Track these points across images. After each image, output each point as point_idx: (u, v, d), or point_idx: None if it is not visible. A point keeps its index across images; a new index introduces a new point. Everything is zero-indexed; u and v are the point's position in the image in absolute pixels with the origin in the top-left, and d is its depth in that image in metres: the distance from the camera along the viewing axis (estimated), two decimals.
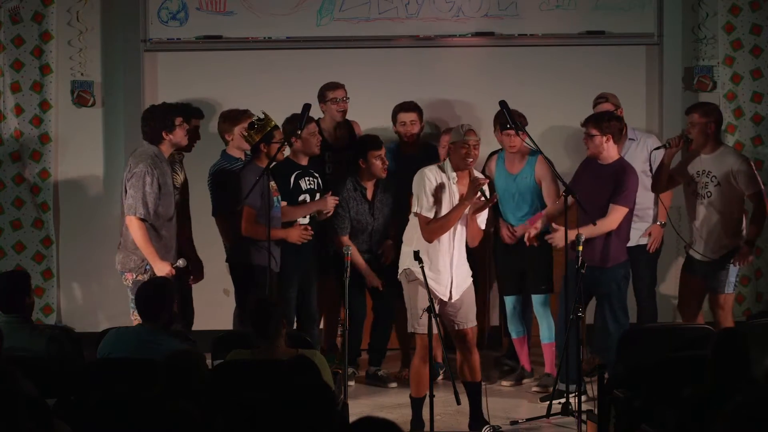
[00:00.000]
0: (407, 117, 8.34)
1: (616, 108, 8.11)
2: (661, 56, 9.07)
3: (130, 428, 4.46)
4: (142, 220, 7.19)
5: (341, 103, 8.38)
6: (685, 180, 7.80)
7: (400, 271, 7.09)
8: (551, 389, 7.57)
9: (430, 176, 6.92)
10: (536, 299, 8.04)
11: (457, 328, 7.04)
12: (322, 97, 8.37)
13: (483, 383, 7.32)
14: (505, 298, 8.16)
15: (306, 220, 7.90)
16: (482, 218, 7.04)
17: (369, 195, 8.13)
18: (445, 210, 6.89)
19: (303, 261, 7.91)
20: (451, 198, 6.91)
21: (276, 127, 7.65)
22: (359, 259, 8.02)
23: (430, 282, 6.74)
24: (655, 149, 7.93)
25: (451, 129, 8.16)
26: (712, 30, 9.08)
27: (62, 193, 9.15)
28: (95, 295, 9.19)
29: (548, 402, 7.40)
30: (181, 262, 7.30)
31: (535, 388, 7.96)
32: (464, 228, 7.00)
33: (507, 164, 8.04)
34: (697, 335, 6.33)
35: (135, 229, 7.19)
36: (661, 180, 7.84)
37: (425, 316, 6.77)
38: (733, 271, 7.67)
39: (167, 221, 7.35)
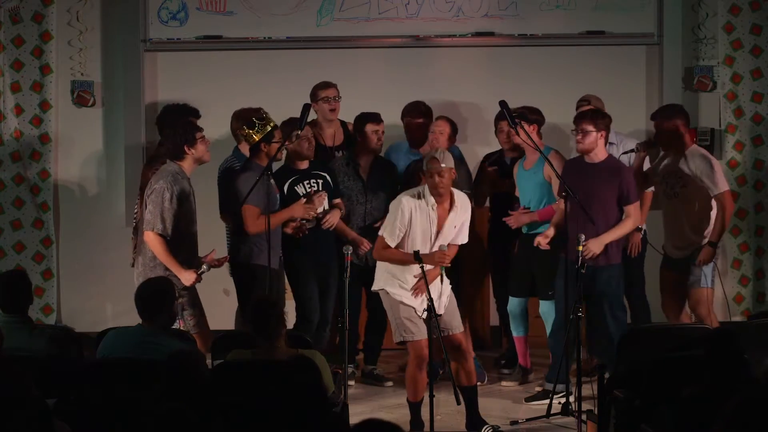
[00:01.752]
0: (412, 122, 8.33)
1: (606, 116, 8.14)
2: (661, 56, 9.08)
3: (130, 428, 4.47)
4: (161, 235, 7.16)
5: (332, 102, 8.36)
6: (657, 180, 7.92)
7: (377, 288, 7.13)
8: (540, 389, 7.72)
9: (404, 208, 6.92)
10: (542, 304, 8.04)
11: (443, 335, 6.97)
12: (313, 96, 8.35)
13: (481, 383, 7.29)
14: (511, 297, 8.15)
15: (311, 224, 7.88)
16: (460, 237, 7.05)
17: (363, 173, 8.13)
18: (419, 234, 6.91)
19: (323, 261, 7.86)
20: (429, 223, 6.92)
21: (276, 126, 7.63)
22: (345, 228, 7.99)
23: (406, 299, 6.88)
24: (623, 153, 7.98)
25: (441, 118, 8.18)
26: (712, 30, 9.08)
27: (62, 193, 9.15)
28: (95, 295, 9.19)
29: (534, 402, 7.57)
30: (204, 267, 7.28)
31: (538, 388, 7.97)
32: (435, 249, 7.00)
33: (525, 162, 8.05)
34: (697, 335, 6.32)
35: (155, 244, 7.14)
36: (637, 181, 7.90)
37: (411, 324, 6.86)
38: (708, 266, 7.74)
39: (187, 237, 7.31)
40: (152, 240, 7.13)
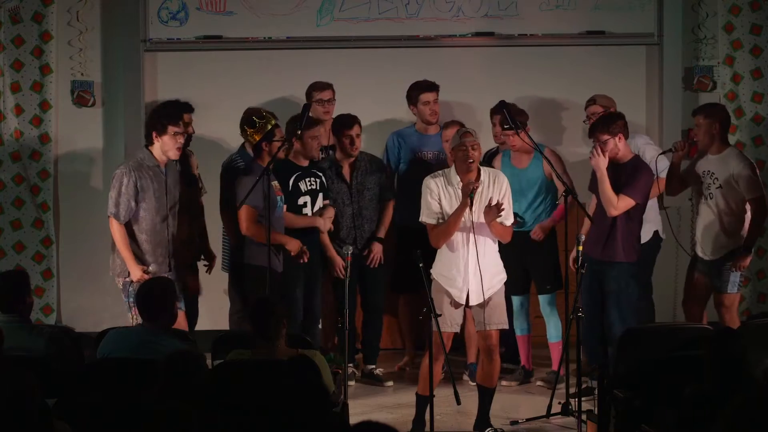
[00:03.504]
0: (430, 96, 8.35)
1: (607, 109, 8.11)
2: (661, 56, 9.08)
3: (130, 428, 4.47)
4: (118, 221, 7.21)
5: (327, 104, 8.37)
6: (693, 180, 7.86)
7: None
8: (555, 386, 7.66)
9: (431, 184, 6.93)
10: (542, 299, 8.07)
11: (478, 328, 7.02)
12: (309, 96, 8.35)
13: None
14: (512, 297, 8.16)
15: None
16: (504, 215, 6.95)
17: (347, 175, 8.14)
18: (449, 214, 6.88)
19: (309, 262, 7.88)
20: (457, 203, 6.89)
21: (277, 125, 7.63)
22: (327, 243, 8.00)
23: (446, 285, 6.86)
24: (661, 153, 7.93)
25: (451, 123, 8.19)
26: (712, 30, 9.08)
27: (62, 193, 9.15)
28: (95, 295, 9.17)
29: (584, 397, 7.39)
30: (152, 268, 7.27)
31: (539, 383, 7.97)
32: (480, 234, 6.91)
33: (514, 160, 8.05)
34: (697, 335, 6.32)
35: (113, 230, 7.25)
36: (673, 183, 7.90)
37: (440, 316, 6.80)
38: (737, 272, 7.71)
39: (149, 226, 7.30)
40: (112, 225, 7.23)
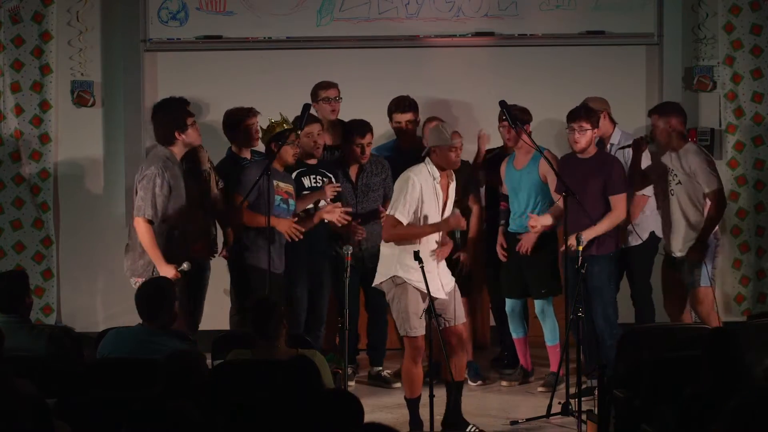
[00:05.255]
0: (403, 118, 8.33)
1: (599, 112, 8.10)
2: (661, 56, 9.08)
3: (130, 428, 4.47)
4: (150, 222, 7.16)
5: (333, 102, 8.37)
6: (657, 177, 7.92)
7: (383, 278, 7.00)
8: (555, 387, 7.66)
9: (414, 182, 6.86)
10: (537, 303, 8.03)
11: (447, 325, 6.99)
12: (314, 95, 8.34)
13: (484, 383, 7.30)
14: (506, 300, 8.14)
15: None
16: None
17: (353, 175, 8.13)
18: (429, 209, 6.88)
19: (314, 261, 7.85)
20: (436, 197, 6.92)
21: (291, 129, 7.58)
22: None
23: (419, 283, 6.78)
24: (619, 148, 7.99)
25: (433, 119, 8.15)
26: (712, 30, 9.09)
27: (62, 193, 9.15)
28: (95, 295, 9.19)
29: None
30: (185, 266, 7.26)
31: (540, 388, 7.95)
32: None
33: (515, 161, 8.05)
34: (697, 335, 6.32)
35: (142, 231, 7.14)
36: (634, 179, 7.93)
37: (416, 319, 6.78)
38: (708, 264, 7.72)
39: (177, 224, 7.30)
40: (141, 226, 7.14)
